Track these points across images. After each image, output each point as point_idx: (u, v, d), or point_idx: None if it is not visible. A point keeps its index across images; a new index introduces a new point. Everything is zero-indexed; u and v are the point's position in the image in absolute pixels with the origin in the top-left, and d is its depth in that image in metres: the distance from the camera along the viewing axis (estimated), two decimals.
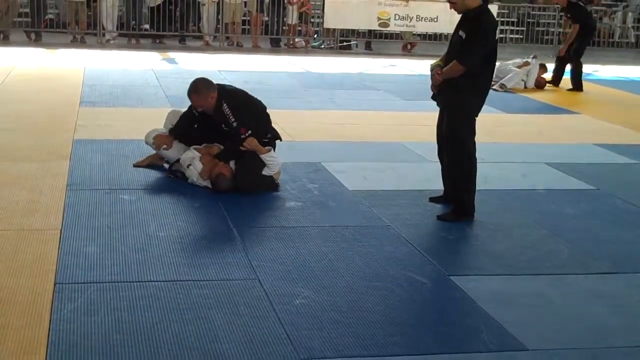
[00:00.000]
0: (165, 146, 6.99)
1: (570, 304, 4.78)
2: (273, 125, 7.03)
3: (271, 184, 6.70)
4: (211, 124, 6.80)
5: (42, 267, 4.89)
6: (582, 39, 13.85)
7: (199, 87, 6.66)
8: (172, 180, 6.87)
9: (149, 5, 18.12)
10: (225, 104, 6.58)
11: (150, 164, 7.26)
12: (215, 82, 6.80)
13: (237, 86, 7.31)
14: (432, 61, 6.36)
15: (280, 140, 7.09)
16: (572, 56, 13.82)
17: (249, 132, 6.58)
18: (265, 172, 6.64)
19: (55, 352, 3.87)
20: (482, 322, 4.44)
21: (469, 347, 4.17)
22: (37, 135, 8.32)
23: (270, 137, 6.92)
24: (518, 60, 13.81)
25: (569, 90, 13.76)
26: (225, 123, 6.64)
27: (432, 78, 6.19)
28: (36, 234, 5.48)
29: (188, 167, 6.78)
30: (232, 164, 6.65)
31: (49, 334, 4.04)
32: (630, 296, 4.96)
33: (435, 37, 19.75)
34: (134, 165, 7.23)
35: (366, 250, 5.47)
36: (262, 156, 6.61)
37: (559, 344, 4.24)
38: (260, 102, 6.96)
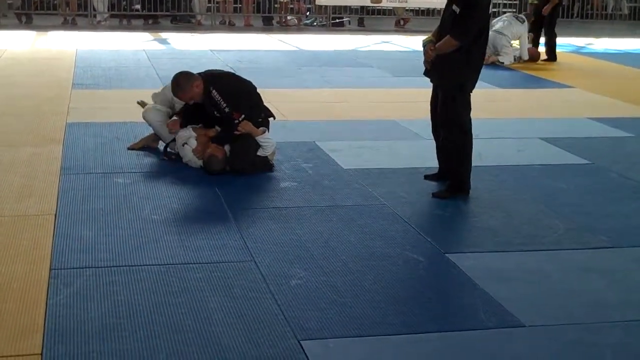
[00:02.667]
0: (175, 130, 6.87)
1: (566, 279, 4.79)
2: (265, 104, 6.99)
3: (266, 165, 6.68)
4: (206, 112, 6.76)
5: (37, 253, 4.88)
6: (554, 11, 13.83)
7: (180, 82, 6.59)
8: (167, 163, 6.85)
9: None
10: (214, 90, 6.51)
11: (145, 146, 7.24)
12: (205, 67, 6.73)
13: (230, 65, 7.28)
14: (425, 37, 6.32)
15: (274, 118, 7.05)
16: (546, 28, 13.76)
17: (242, 116, 6.55)
18: (259, 152, 6.62)
19: (51, 337, 3.87)
20: (479, 299, 4.44)
21: (466, 324, 4.17)
22: (29, 119, 8.29)
23: (263, 116, 6.88)
24: (512, 30, 13.41)
25: (544, 60, 13.72)
26: (217, 110, 6.58)
27: (424, 54, 6.16)
28: (31, 220, 5.46)
29: (183, 145, 6.75)
30: (226, 147, 6.62)
31: (45, 319, 4.04)
32: (627, 270, 4.96)
33: (428, 13, 19.67)
34: (129, 148, 7.20)
35: (362, 229, 5.46)
36: (257, 137, 6.58)
37: (556, 319, 4.24)
38: (249, 82, 6.89)
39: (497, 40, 12.96)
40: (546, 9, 13.67)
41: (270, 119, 6.99)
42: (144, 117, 7.16)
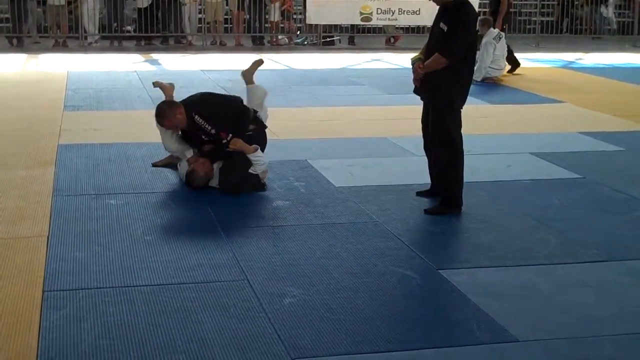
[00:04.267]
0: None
1: (559, 293, 4.79)
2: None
3: (257, 184, 6.68)
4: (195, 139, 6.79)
5: (30, 275, 4.87)
6: (504, 24, 13.94)
7: (162, 111, 6.66)
8: (160, 184, 6.86)
9: (137, 6, 18.02)
10: (196, 116, 6.55)
11: (168, 163, 7.24)
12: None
13: (221, 85, 7.33)
14: (415, 54, 6.35)
15: (266, 128, 7.05)
16: None
17: (230, 135, 6.57)
18: (251, 170, 6.63)
19: (45, 359, 3.85)
20: (473, 315, 4.45)
21: (460, 340, 4.18)
22: (21, 141, 8.29)
23: (253, 128, 6.87)
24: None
25: (510, 72, 13.73)
26: (204, 133, 6.61)
27: (413, 72, 6.19)
28: (23, 242, 5.45)
29: (179, 164, 6.80)
30: (216, 165, 6.64)
31: (38, 342, 4.03)
32: (619, 284, 4.97)
33: (418, 30, 19.76)
34: (153, 165, 7.25)
35: (355, 246, 5.47)
36: (249, 155, 6.59)
37: (549, 334, 4.25)
38: (230, 97, 6.94)
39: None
40: (498, 24, 13.71)
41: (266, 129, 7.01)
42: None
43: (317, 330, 4.21)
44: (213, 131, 6.56)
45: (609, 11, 22.18)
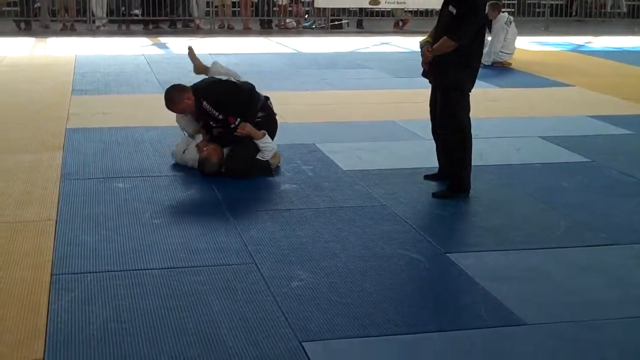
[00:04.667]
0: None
1: (567, 277, 4.79)
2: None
3: (265, 169, 6.66)
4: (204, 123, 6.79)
5: (39, 259, 4.89)
6: None
7: (171, 95, 6.64)
8: (167, 167, 6.87)
9: None
10: (204, 101, 6.54)
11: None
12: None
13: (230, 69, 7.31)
14: (423, 38, 6.33)
15: (276, 115, 7.03)
16: None
17: (238, 120, 6.56)
18: (259, 156, 6.62)
19: (54, 342, 3.88)
20: (480, 298, 4.45)
21: (467, 323, 4.18)
22: (29, 126, 8.30)
23: (262, 115, 6.85)
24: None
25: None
26: (212, 119, 6.62)
27: (422, 55, 6.17)
28: (31, 225, 5.47)
29: (184, 152, 6.79)
30: (225, 151, 6.64)
31: (47, 325, 4.04)
32: (627, 268, 4.97)
33: (426, 14, 19.66)
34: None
35: (362, 230, 5.47)
36: (257, 141, 6.59)
37: (557, 317, 4.25)
38: (241, 84, 6.86)
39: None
40: None
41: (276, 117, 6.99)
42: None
43: (324, 314, 4.21)
44: (220, 117, 6.56)
45: None
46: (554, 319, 4.23)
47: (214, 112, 6.55)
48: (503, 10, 13.35)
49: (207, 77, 7.09)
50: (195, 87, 6.71)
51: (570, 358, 3.87)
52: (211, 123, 6.69)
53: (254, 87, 6.93)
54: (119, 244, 5.13)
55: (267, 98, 6.96)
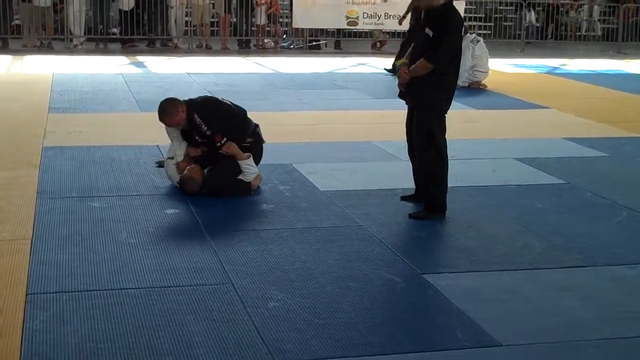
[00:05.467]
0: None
1: (543, 298, 4.82)
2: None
3: (245, 190, 6.67)
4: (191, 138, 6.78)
5: (13, 278, 4.85)
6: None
7: (166, 108, 6.64)
8: (143, 186, 6.85)
9: (121, 8, 17.99)
10: (196, 115, 6.55)
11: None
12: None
13: (207, 89, 7.32)
14: (401, 60, 6.37)
15: (264, 142, 7.05)
16: None
17: (224, 139, 6.57)
18: (241, 177, 6.63)
19: None
20: (456, 319, 4.47)
21: (443, 344, 4.19)
22: (5, 143, 8.25)
23: (251, 141, 6.87)
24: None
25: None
26: (199, 134, 6.62)
27: (398, 77, 6.21)
28: (6, 244, 5.43)
29: (169, 158, 6.76)
30: (205, 171, 6.63)
31: (21, 345, 4.01)
32: (602, 289, 5.00)
33: (404, 35, 19.73)
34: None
35: (339, 250, 5.48)
36: (240, 162, 6.59)
37: (532, 338, 4.27)
38: (235, 107, 6.90)
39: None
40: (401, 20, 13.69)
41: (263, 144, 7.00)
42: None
43: (301, 335, 4.21)
44: (209, 133, 6.56)
45: (594, 15, 22.31)
46: (529, 340, 4.25)
47: (204, 126, 6.54)
48: (480, 32, 13.47)
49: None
50: (191, 101, 6.73)
51: None
52: (197, 138, 6.67)
53: (246, 112, 6.95)
54: (94, 264, 5.10)
55: (256, 125, 6.98)
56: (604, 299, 4.85)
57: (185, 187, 6.56)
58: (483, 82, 13.19)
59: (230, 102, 6.97)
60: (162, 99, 6.89)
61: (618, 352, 4.18)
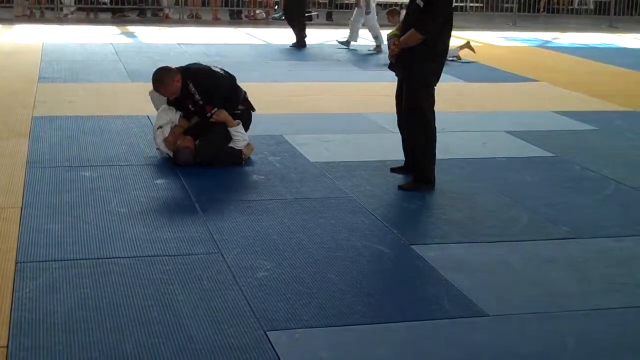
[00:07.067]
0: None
1: (530, 269, 4.86)
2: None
3: (236, 157, 6.68)
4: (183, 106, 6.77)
5: (3, 246, 4.86)
6: None
7: (161, 77, 6.59)
8: (133, 156, 6.85)
9: None
10: (190, 84, 6.54)
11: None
12: (173, 60, 6.74)
13: (198, 59, 7.29)
14: (390, 31, 6.36)
15: (254, 110, 7.04)
16: None
17: (215, 109, 6.56)
18: (231, 144, 6.64)
19: (17, 330, 3.86)
20: (444, 290, 4.50)
21: (430, 314, 4.22)
22: None
23: (242, 109, 6.87)
24: None
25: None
26: (192, 103, 6.61)
27: (389, 48, 6.21)
28: None
29: (158, 128, 6.74)
30: (197, 142, 6.64)
31: (11, 312, 4.03)
32: (588, 261, 5.04)
33: (396, 6, 19.69)
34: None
35: (328, 221, 5.50)
36: (230, 129, 6.60)
37: (519, 309, 4.31)
38: (226, 75, 6.89)
39: None
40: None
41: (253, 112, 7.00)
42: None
43: (289, 304, 4.24)
44: (201, 102, 6.55)
45: None
46: (516, 310, 4.29)
47: (197, 95, 6.54)
48: (472, 4, 13.42)
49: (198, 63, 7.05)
50: (186, 69, 6.70)
51: (532, 348, 3.92)
52: (190, 107, 6.66)
53: (235, 79, 6.94)
54: (84, 233, 5.12)
55: (245, 92, 6.98)
56: (590, 270, 4.89)
57: (180, 156, 6.56)
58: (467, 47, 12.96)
59: (222, 69, 6.96)
60: (153, 69, 6.87)
61: (603, 322, 4.22)
